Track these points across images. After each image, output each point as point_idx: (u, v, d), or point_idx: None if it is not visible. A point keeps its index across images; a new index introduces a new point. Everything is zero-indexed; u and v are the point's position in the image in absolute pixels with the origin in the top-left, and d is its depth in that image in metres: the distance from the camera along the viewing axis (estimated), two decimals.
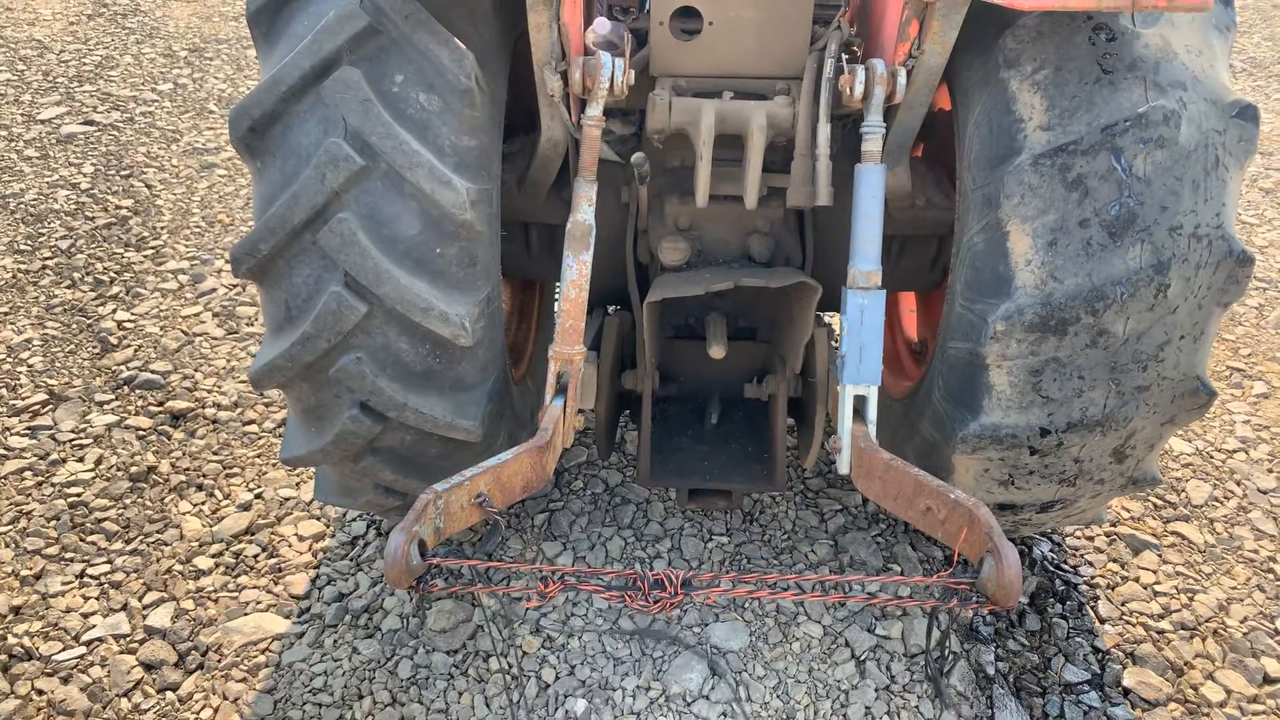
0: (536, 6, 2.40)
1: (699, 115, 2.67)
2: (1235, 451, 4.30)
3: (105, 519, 3.74)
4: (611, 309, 3.54)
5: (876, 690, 3.10)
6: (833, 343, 2.93)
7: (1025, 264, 2.49)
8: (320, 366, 2.54)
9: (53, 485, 3.90)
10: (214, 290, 5.23)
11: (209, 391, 4.45)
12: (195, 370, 4.59)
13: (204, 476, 3.96)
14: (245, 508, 3.81)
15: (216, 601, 3.41)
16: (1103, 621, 3.41)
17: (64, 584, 3.46)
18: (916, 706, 3.05)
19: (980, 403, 2.67)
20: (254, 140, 2.49)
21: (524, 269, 3.52)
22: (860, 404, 2.66)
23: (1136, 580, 3.58)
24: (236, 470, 4.00)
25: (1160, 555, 3.70)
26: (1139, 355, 2.50)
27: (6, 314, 4.96)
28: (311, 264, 2.46)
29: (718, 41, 2.74)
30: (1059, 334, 2.49)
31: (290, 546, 3.64)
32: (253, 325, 4.96)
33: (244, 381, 4.50)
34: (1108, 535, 3.77)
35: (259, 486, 3.92)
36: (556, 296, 2.66)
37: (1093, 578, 3.58)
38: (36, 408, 4.32)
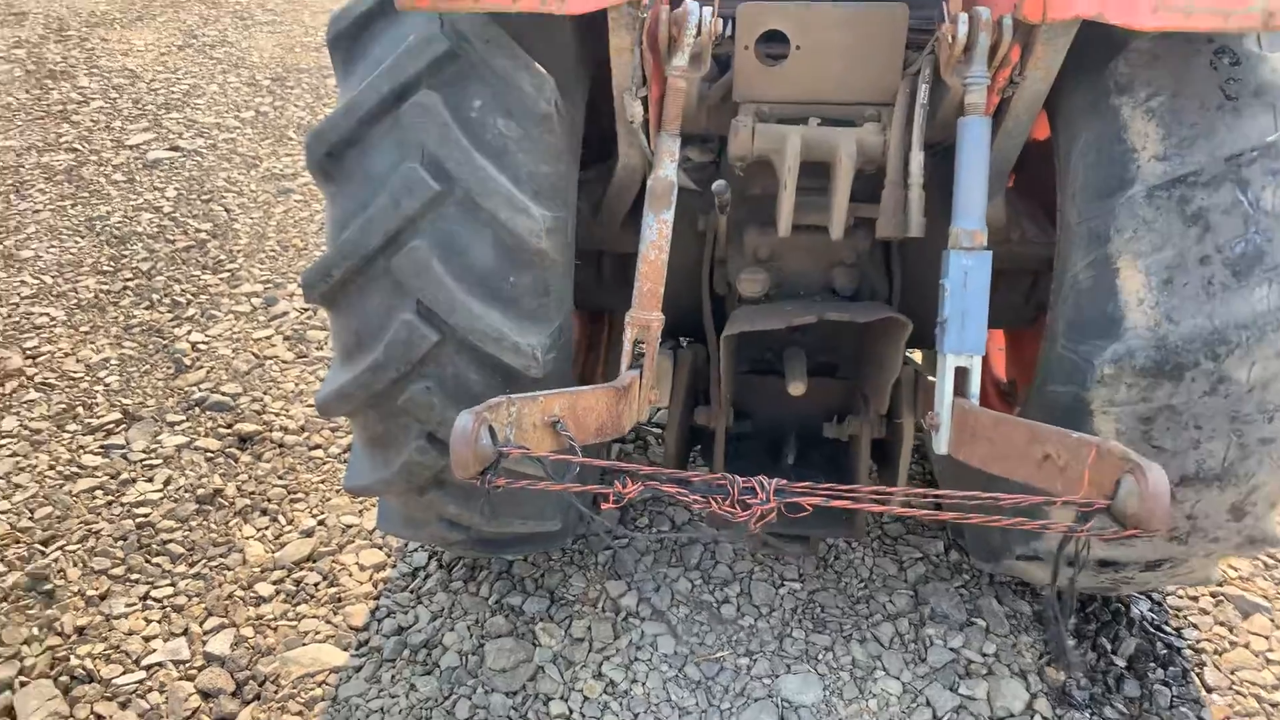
0: (619, 31, 2.32)
1: (784, 142, 2.56)
2: None
3: (171, 540, 3.73)
4: (684, 341, 3.43)
5: None
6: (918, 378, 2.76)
7: (1137, 303, 2.31)
8: (389, 395, 2.47)
9: (122, 505, 3.91)
10: (285, 314, 5.26)
11: (276, 415, 4.45)
12: (265, 393, 4.60)
13: (268, 501, 3.94)
14: (308, 534, 3.77)
15: (276, 630, 3.36)
16: (1210, 690, 3.14)
17: (128, 606, 3.44)
18: None
19: None
20: (330, 165, 2.45)
21: (595, 299, 3.43)
22: (962, 377, 2.40)
23: (1247, 646, 3.31)
24: (300, 495, 3.97)
25: (1273, 619, 3.42)
26: (1264, 405, 2.29)
27: (87, 333, 5.06)
28: (383, 291, 2.40)
29: (805, 66, 2.63)
30: (1174, 380, 2.30)
31: (351, 576, 3.58)
32: (322, 349, 4.97)
33: (311, 405, 4.49)
34: (1213, 596, 3.50)
35: (322, 513, 3.88)
36: (629, 320, 2.51)
37: (1198, 641, 3.32)
38: (110, 426, 4.37)
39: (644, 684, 3.13)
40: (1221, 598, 3.49)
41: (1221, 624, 3.39)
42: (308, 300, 2.48)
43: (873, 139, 2.57)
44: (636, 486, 1.83)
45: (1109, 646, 3.27)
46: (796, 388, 2.70)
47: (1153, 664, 3.23)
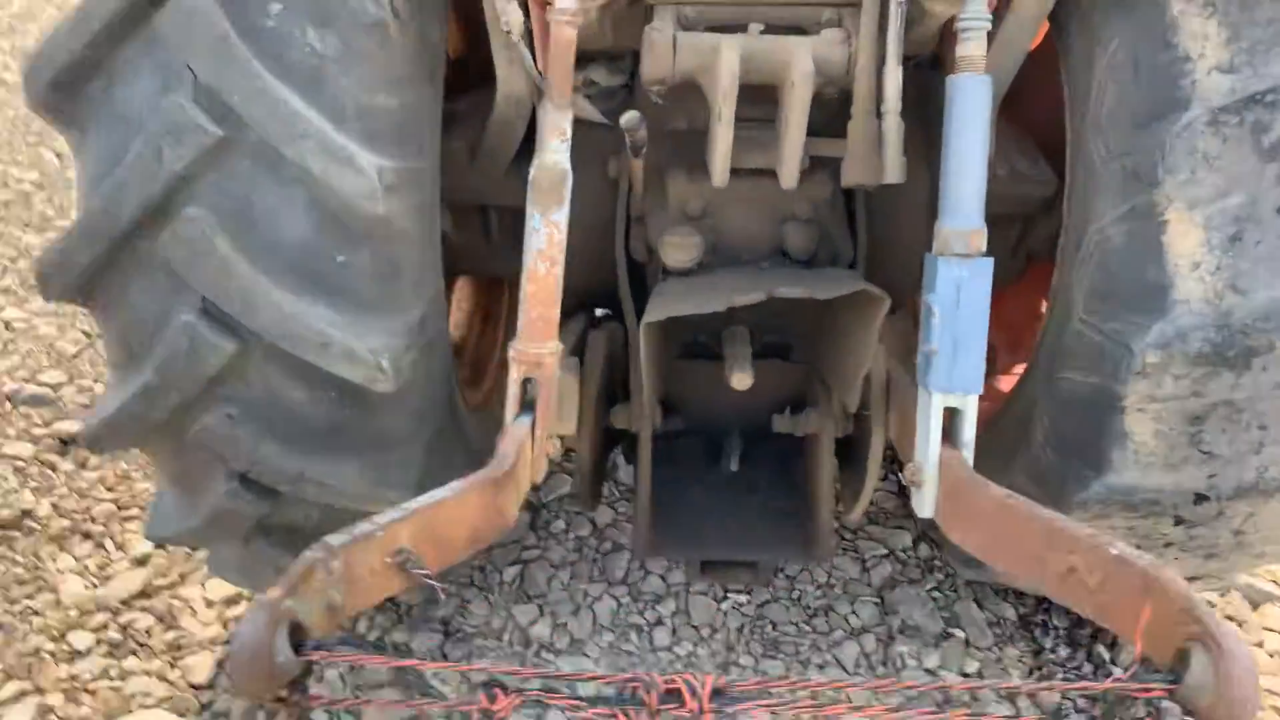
0: None
1: (716, 57, 1.88)
2: None
3: None
4: (600, 312, 2.76)
5: None
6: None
7: (1191, 268, 1.73)
8: (176, 427, 1.77)
9: None
10: None
11: None
12: (95, 381, 3.80)
13: (92, 520, 3.19)
14: (141, 562, 3.05)
15: (94, 694, 2.66)
16: None
17: None
18: None
19: (1109, 457, 1.92)
20: (62, 101, 1.69)
21: (485, 263, 2.73)
22: (953, 421, 1.88)
23: (1260, 645, 2.86)
24: (134, 512, 3.23)
25: None
26: None
27: None
28: (151, 282, 1.68)
29: None
30: (1238, 368, 1.74)
31: (194, 615, 2.89)
32: None
33: None
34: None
35: None
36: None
37: None
38: None
39: None
40: (1228, 586, 3.04)
41: (1230, 618, 2.94)
42: (46, 299, 1.74)
43: (835, 51, 1.91)
44: (512, 700, 1.26)
45: (1106, 655, 2.79)
46: (740, 380, 2.07)
47: (1156, 671, 2.76)
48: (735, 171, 2.01)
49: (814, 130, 1.96)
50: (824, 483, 2.24)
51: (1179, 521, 1.98)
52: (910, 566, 3.05)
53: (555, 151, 1.83)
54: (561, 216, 1.83)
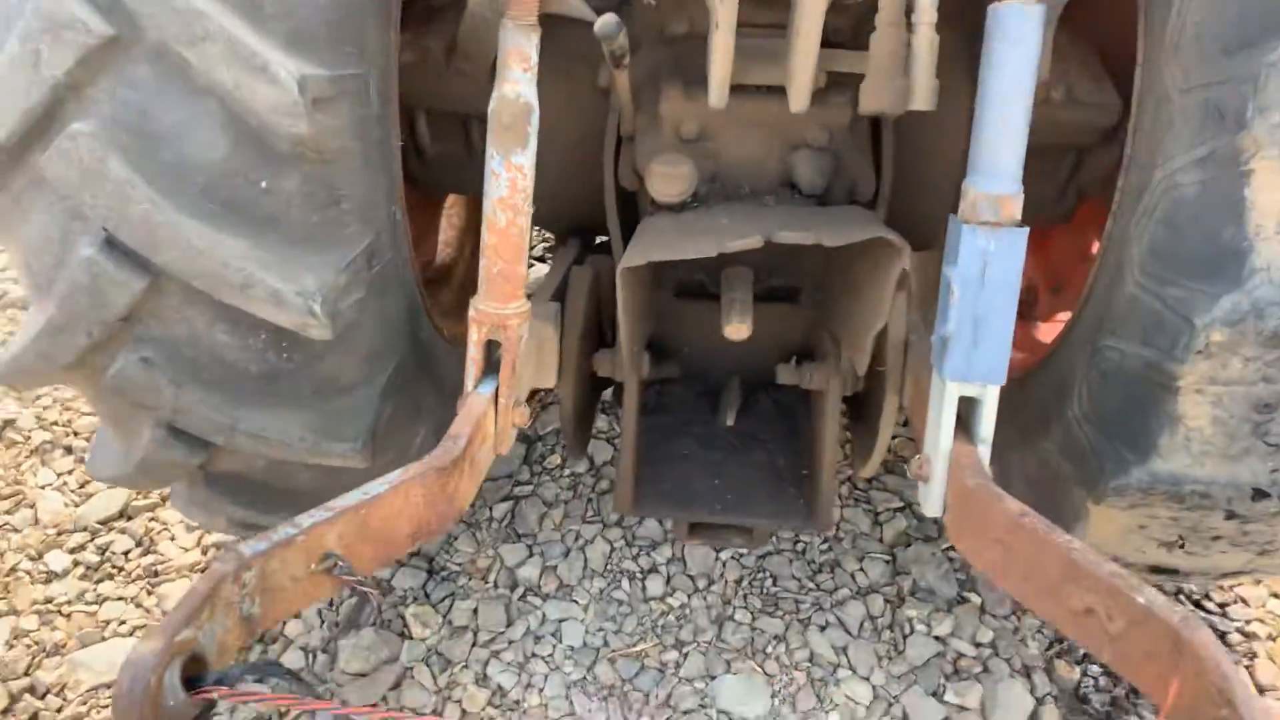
0: None
1: None
2: None
3: None
4: (599, 239, 2.50)
5: None
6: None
7: (1278, 230, 1.43)
8: (89, 369, 1.58)
9: None
10: None
11: None
12: None
13: (75, 435, 3.09)
14: None
15: (69, 618, 2.59)
16: (1263, 692, 2.47)
17: None
18: None
19: (1156, 441, 1.66)
20: None
21: (469, 179, 2.47)
22: (969, 413, 1.65)
23: None
24: None
25: None
26: None
27: None
28: (45, 208, 1.47)
29: None
30: None
31: (174, 540, 2.79)
32: None
33: None
34: None
35: None
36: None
37: (1247, 624, 2.62)
38: None
39: (541, 691, 2.42)
40: None
41: (1278, 597, 2.70)
42: None
43: None
44: None
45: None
46: (736, 330, 1.82)
47: None
48: (738, 89, 1.72)
49: (832, 42, 1.65)
50: (828, 446, 2.00)
51: (1231, 516, 1.72)
52: (926, 523, 2.83)
53: (515, 82, 1.55)
54: (526, 158, 1.58)
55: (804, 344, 2.17)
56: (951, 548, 2.76)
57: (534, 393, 2.02)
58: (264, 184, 1.48)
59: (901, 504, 2.88)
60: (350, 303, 1.64)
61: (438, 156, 2.38)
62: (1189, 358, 1.52)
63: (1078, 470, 1.85)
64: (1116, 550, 1.98)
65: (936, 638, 2.54)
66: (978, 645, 2.53)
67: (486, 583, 2.67)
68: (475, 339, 1.66)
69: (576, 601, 2.62)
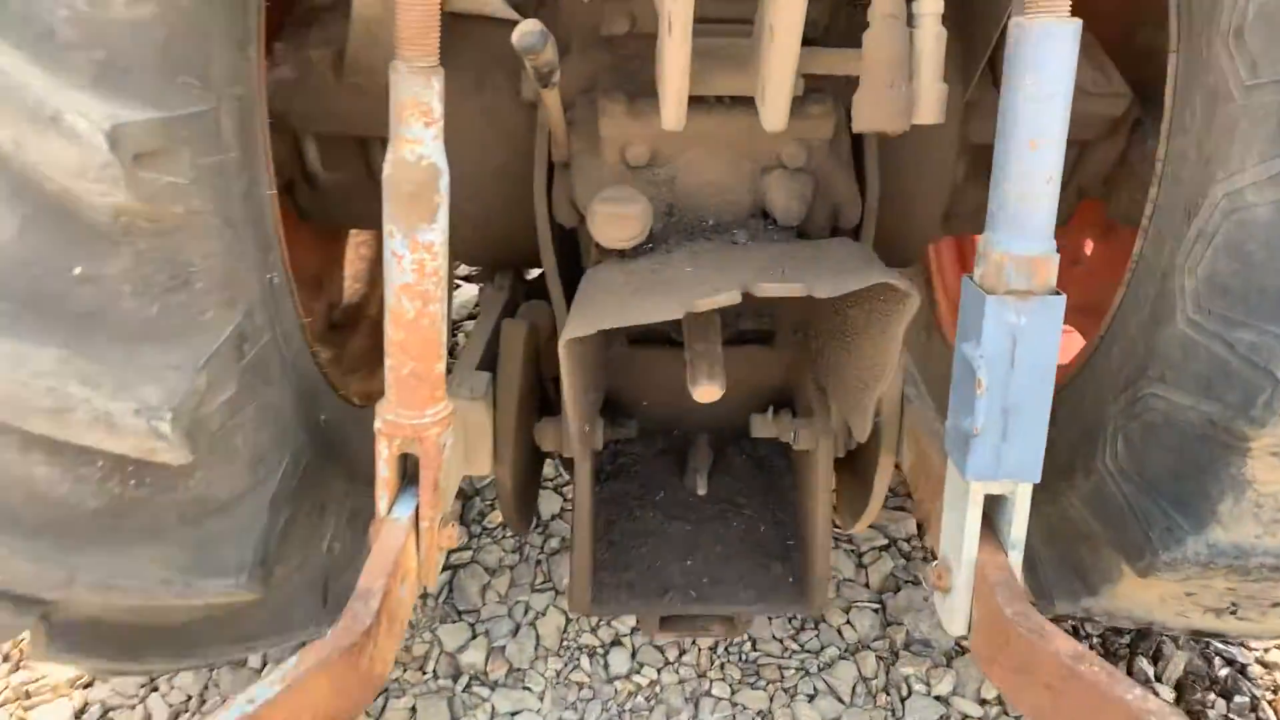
0: None
1: None
2: None
3: None
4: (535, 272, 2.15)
5: None
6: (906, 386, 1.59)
7: None
8: None
9: None
10: None
11: None
12: None
13: None
14: None
15: None
16: None
17: None
18: None
19: (1217, 507, 1.39)
20: None
21: (371, 211, 2.08)
22: (996, 512, 1.38)
23: None
24: None
25: None
26: None
27: None
28: None
29: None
30: None
31: None
32: None
33: None
34: None
35: None
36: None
37: (1266, 651, 2.41)
38: None
39: None
40: None
41: None
42: None
43: None
44: None
45: (1149, 669, 2.34)
46: (707, 392, 1.48)
47: (1209, 690, 2.32)
48: (696, 101, 1.38)
49: (809, 38, 1.31)
50: (819, 517, 1.69)
51: None
52: (915, 561, 2.56)
53: (418, 140, 1.19)
54: (436, 234, 1.23)
55: (780, 389, 1.85)
56: None
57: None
58: (77, 271, 1.09)
59: (886, 541, 2.60)
60: (216, 406, 1.27)
61: (334, 187, 2.00)
62: (1270, 418, 1.24)
63: (1112, 532, 1.58)
64: (1150, 615, 1.73)
65: (938, 698, 2.27)
66: (984, 703, 2.26)
67: (424, 673, 2.31)
68: (385, 455, 1.31)
69: (530, 688, 2.28)
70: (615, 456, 1.94)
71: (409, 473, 1.39)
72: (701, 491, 1.80)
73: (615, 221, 1.40)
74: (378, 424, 1.33)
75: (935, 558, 2.24)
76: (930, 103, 1.26)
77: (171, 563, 1.34)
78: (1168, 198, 1.46)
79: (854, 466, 1.88)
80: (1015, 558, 1.37)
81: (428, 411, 1.30)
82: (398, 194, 1.22)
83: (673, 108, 1.35)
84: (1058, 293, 1.25)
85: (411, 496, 1.37)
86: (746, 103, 1.44)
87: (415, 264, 1.22)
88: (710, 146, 1.50)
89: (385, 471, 1.35)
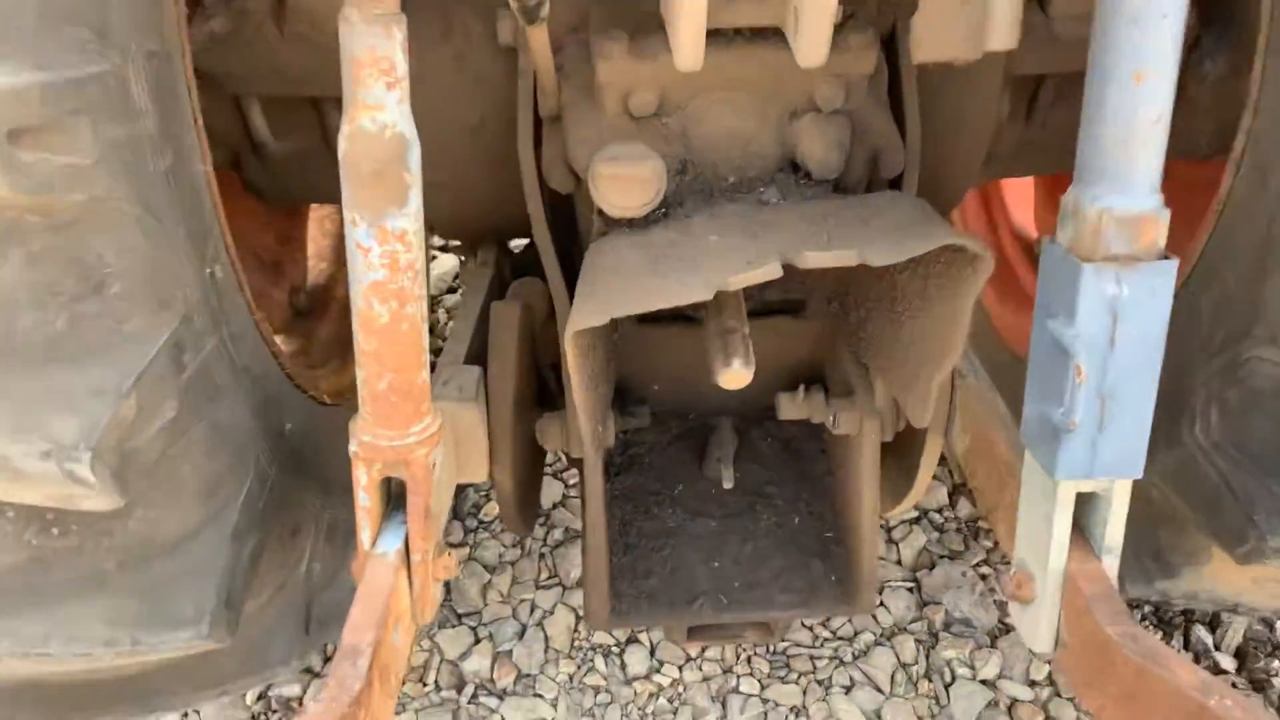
0: None
1: None
2: None
3: None
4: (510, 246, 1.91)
5: None
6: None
7: None
8: None
9: None
10: None
11: None
12: None
13: None
14: None
15: None
16: None
17: None
18: None
19: None
20: None
21: (332, 184, 1.83)
22: (1087, 513, 1.18)
23: None
24: None
25: None
26: None
27: None
28: None
29: None
30: None
31: None
32: None
33: None
34: None
35: None
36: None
37: None
38: None
39: None
40: None
41: None
42: None
43: None
44: None
45: (1208, 639, 2.17)
46: (736, 377, 1.26)
47: (1272, 656, 2.16)
48: (712, 36, 1.14)
49: None
50: (864, 508, 1.49)
51: None
52: (949, 533, 2.38)
53: (379, 104, 0.95)
54: (409, 219, 0.99)
55: (811, 366, 1.63)
56: (984, 562, 2.31)
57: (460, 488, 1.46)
58: None
59: (916, 513, 2.41)
60: (153, 434, 1.04)
61: (287, 157, 1.75)
62: None
63: (1203, 513, 1.39)
64: (1239, 598, 1.55)
65: (984, 682, 2.10)
66: (1033, 684, 2.10)
67: (424, 685, 2.13)
68: (364, 483, 1.09)
69: (542, 696, 2.09)
70: (626, 447, 1.72)
71: (394, 497, 1.17)
72: (728, 485, 1.59)
73: (623, 185, 1.16)
74: (353, 447, 1.11)
75: (994, 546, 2.02)
76: (1005, 24, 1.03)
77: (115, 617, 1.13)
78: (1269, 125, 1.24)
79: (894, 445, 1.67)
80: (1110, 564, 1.18)
81: (412, 429, 1.09)
82: (358, 173, 0.98)
83: (688, 43, 1.11)
84: (1168, 256, 1.03)
85: (399, 525, 1.16)
86: (771, 35, 1.20)
87: (386, 258, 0.99)
88: (729, 90, 1.26)
89: (366, 501, 1.14)
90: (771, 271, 1.06)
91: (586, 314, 1.07)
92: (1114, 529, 1.17)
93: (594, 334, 1.23)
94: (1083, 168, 1.06)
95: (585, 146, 1.25)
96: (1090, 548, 1.19)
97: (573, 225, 1.49)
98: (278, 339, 1.73)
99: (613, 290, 1.09)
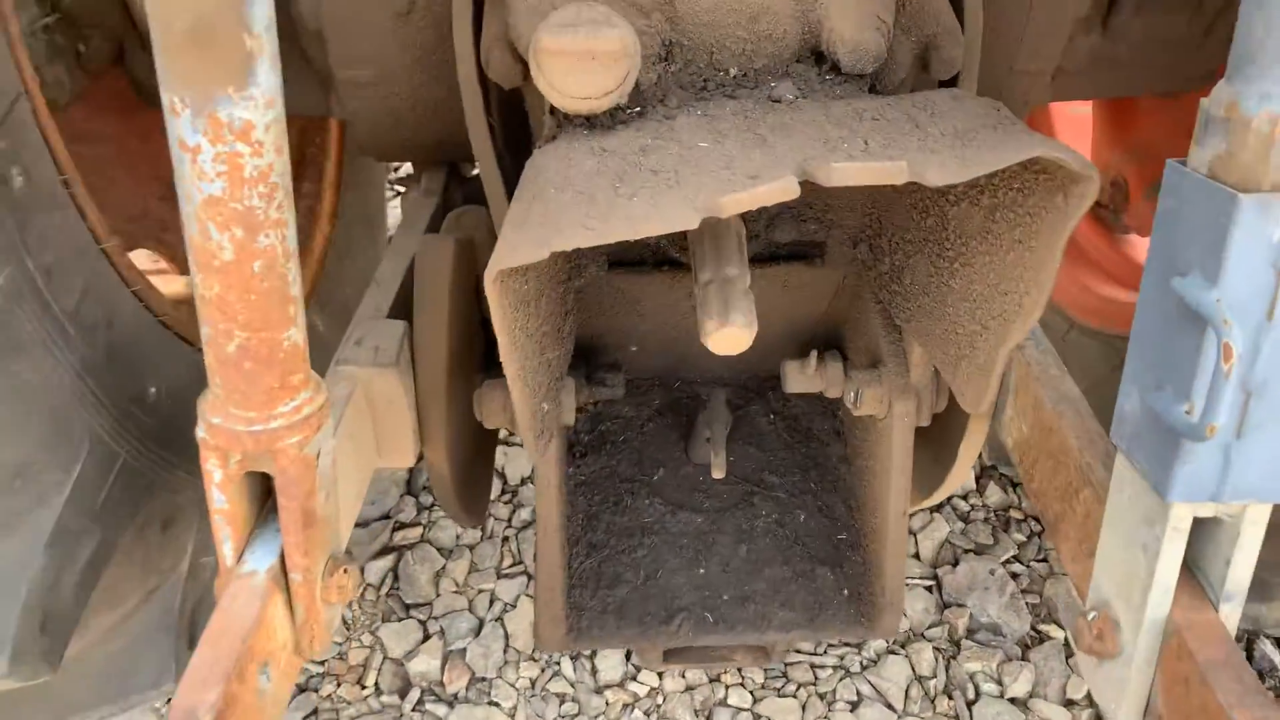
0: None
1: None
2: None
3: None
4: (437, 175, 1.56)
5: None
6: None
7: None
8: None
9: None
10: None
11: None
12: None
13: None
14: None
15: None
16: None
17: None
18: None
19: None
20: None
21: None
22: (1202, 546, 0.87)
23: None
24: None
25: None
26: None
27: None
28: None
29: None
30: None
31: None
32: None
33: None
34: None
35: None
36: None
37: None
38: None
39: None
40: None
41: None
42: None
43: None
44: None
45: (1276, 656, 1.87)
46: (734, 338, 0.93)
47: None
48: None
49: None
50: (890, 508, 1.17)
51: None
52: (976, 524, 2.06)
53: None
54: (255, 107, 0.67)
55: (827, 326, 1.30)
56: (1015, 558, 2.00)
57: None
58: None
59: (939, 502, 2.10)
60: (70, 586, 0.76)
61: None
62: None
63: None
64: None
65: (1013, 700, 1.80)
66: (1070, 704, 1.80)
67: (362, 689, 1.83)
68: (218, 479, 0.78)
69: (498, 704, 1.80)
70: (595, 422, 1.40)
71: (269, 498, 0.86)
72: (719, 473, 1.27)
73: (575, 64, 0.82)
74: (200, 431, 0.79)
75: (1027, 539, 1.76)
76: None
77: None
78: None
79: (925, 433, 1.35)
80: (1230, 614, 0.86)
81: (279, 409, 0.77)
82: (169, 32, 0.64)
83: None
84: None
85: (274, 535, 0.85)
86: None
87: (223, 163, 0.67)
88: None
89: (222, 502, 0.82)
90: (784, 190, 0.73)
91: (516, 248, 0.74)
92: (1240, 569, 0.86)
93: (536, 278, 0.90)
94: (1243, 55, 0.73)
95: (533, 17, 0.90)
96: (1204, 591, 0.88)
97: (528, 135, 1.15)
98: (179, 277, 1.41)
99: (557, 214, 0.76)
